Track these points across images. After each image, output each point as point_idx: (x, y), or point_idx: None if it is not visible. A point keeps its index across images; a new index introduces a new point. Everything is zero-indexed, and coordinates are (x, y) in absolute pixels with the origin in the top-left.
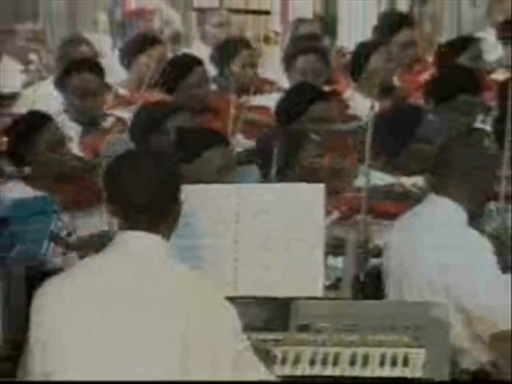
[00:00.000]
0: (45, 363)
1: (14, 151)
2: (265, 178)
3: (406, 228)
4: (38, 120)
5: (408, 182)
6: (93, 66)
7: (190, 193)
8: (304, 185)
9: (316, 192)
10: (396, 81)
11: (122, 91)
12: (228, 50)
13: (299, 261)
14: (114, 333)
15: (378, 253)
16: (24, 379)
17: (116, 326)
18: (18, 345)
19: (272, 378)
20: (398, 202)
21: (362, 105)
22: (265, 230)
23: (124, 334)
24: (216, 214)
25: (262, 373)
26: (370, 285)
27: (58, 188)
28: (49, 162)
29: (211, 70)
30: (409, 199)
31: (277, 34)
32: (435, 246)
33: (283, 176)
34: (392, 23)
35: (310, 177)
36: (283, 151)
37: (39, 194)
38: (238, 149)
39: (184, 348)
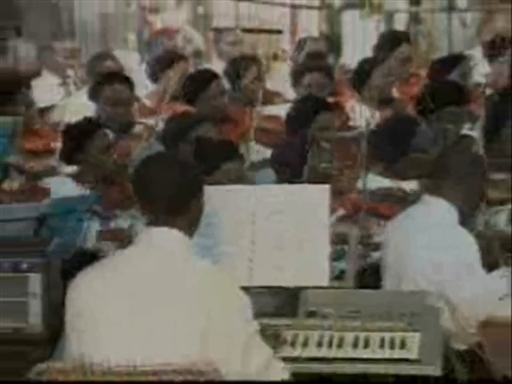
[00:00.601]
0: (80, 349)
1: (67, 153)
2: (281, 181)
3: (402, 227)
4: (90, 126)
5: (405, 185)
6: (122, 78)
7: (211, 194)
8: (311, 186)
9: (322, 192)
10: (395, 93)
11: (148, 102)
12: (239, 65)
13: (308, 257)
14: (139, 324)
15: (377, 248)
16: (61, 362)
17: (141, 318)
18: (57, 330)
19: (276, 357)
20: (396, 204)
21: (363, 114)
22: (278, 230)
23: (148, 326)
24: (235, 214)
25: (269, 353)
26: (370, 277)
27: (103, 187)
28: (98, 163)
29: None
30: (406, 202)
31: (285, 51)
32: (428, 245)
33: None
34: (393, 39)
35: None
36: (298, 156)
37: (83, 192)
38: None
39: (203, 341)
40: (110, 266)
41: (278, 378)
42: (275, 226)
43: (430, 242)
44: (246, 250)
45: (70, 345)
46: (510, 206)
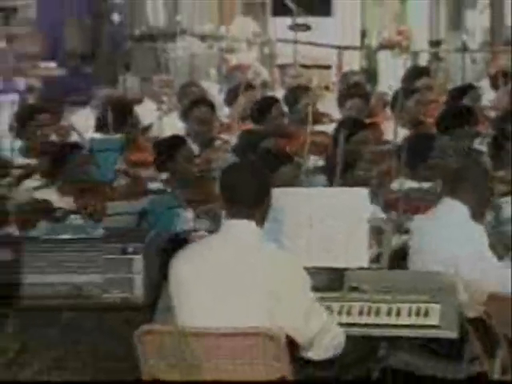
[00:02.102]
0: (180, 312)
1: (160, 162)
2: (331, 185)
3: (426, 226)
4: (178, 141)
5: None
6: (207, 102)
7: (278, 196)
8: (356, 189)
9: (362, 194)
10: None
11: (226, 121)
12: (295, 93)
13: (353, 255)
14: (220, 303)
15: (406, 231)
16: (161, 320)
17: (221, 298)
18: (155, 299)
19: (335, 323)
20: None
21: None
22: (330, 233)
23: (227, 304)
24: (295, 215)
25: (326, 318)
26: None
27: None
28: (184, 170)
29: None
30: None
31: (334, 84)
32: (448, 239)
33: (344, 182)
34: (416, 73)
35: (362, 183)
36: (344, 164)
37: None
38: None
39: (271, 316)
40: (198, 250)
41: (335, 340)
42: (327, 229)
43: (449, 237)
44: (302, 251)
45: (174, 309)
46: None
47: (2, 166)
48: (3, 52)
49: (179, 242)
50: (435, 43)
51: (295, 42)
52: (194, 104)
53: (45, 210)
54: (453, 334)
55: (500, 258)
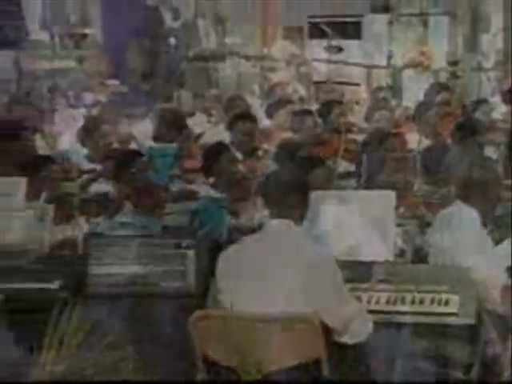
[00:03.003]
0: (226, 305)
1: (207, 166)
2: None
3: (442, 226)
4: (222, 147)
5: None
6: (250, 116)
7: (317, 198)
8: (381, 192)
9: (389, 197)
10: (439, 127)
11: (267, 132)
12: (328, 106)
13: (383, 252)
14: (258, 293)
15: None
16: (213, 307)
17: (259, 288)
18: (205, 288)
19: (364, 312)
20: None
21: (416, 141)
22: (358, 229)
23: (264, 295)
24: (329, 216)
25: (355, 307)
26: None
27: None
28: (228, 172)
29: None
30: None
31: (364, 100)
32: (460, 239)
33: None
34: (437, 88)
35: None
36: (373, 169)
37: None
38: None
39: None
40: (242, 248)
41: (365, 325)
42: (358, 228)
43: (460, 236)
44: (335, 247)
45: (222, 303)
46: None
47: (68, 171)
48: (74, 71)
49: (224, 240)
50: (453, 63)
51: (329, 61)
52: (239, 118)
53: (104, 201)
54: (470, 321)
55: (500, 240)
